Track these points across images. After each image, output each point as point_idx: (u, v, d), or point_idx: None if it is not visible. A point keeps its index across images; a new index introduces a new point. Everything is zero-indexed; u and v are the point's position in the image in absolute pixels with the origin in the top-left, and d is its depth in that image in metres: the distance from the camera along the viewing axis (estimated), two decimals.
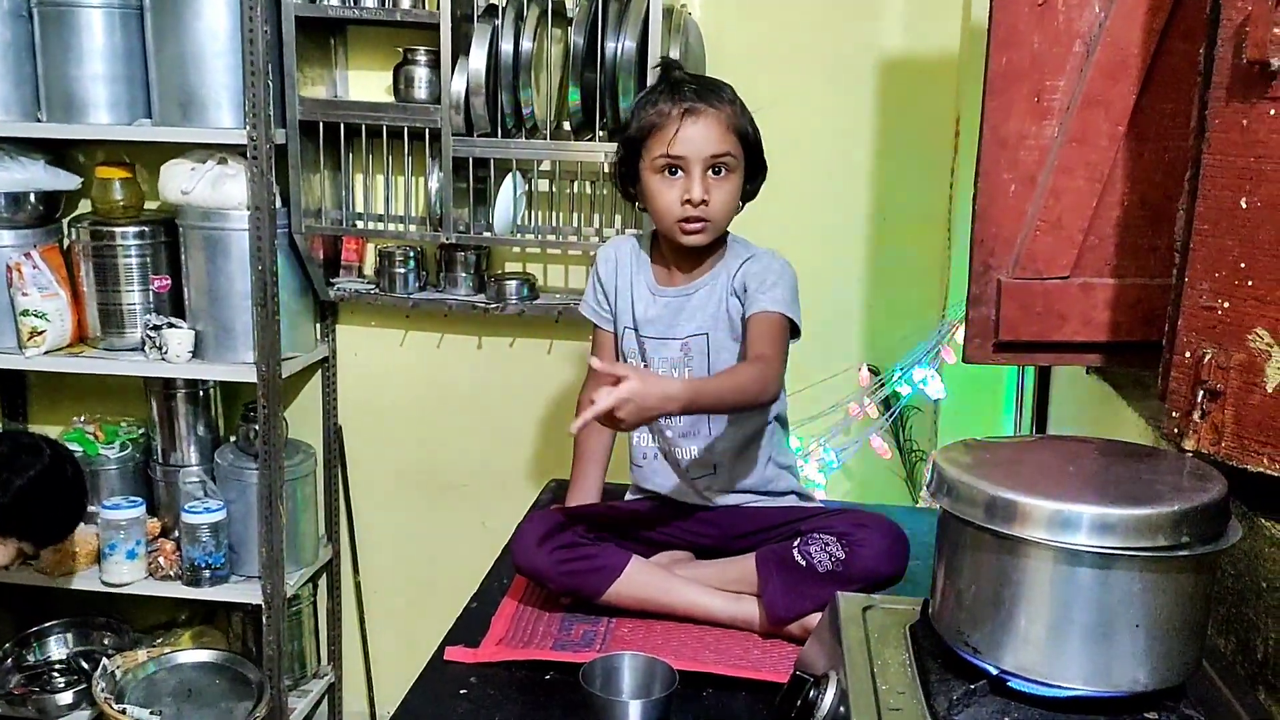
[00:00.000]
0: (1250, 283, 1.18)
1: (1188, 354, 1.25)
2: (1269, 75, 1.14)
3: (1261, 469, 1.18)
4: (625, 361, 1.75)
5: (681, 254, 1.71)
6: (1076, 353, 1.67)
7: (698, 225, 1.63)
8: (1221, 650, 1.27)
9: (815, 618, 1.49)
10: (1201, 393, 1.22)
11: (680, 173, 1.62)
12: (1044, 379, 2.21)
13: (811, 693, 1.10)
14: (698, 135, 1.60)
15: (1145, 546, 0.94)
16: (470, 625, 1.59)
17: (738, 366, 1.64)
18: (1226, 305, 1.21)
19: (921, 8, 2.43)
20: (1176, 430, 1.27)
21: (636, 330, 1.74)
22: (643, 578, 1.60)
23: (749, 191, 1.71)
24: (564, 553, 1.58)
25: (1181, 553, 0.95)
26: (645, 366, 1.73)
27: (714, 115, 1.61)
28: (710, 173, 1.62)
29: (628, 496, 1.83)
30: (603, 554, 1.61)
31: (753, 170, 1.69)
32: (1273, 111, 1.15)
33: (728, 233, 1.72)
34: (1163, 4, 1.52)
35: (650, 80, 1.64)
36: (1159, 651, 0.97)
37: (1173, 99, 1.53)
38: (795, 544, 1.57)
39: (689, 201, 1.61)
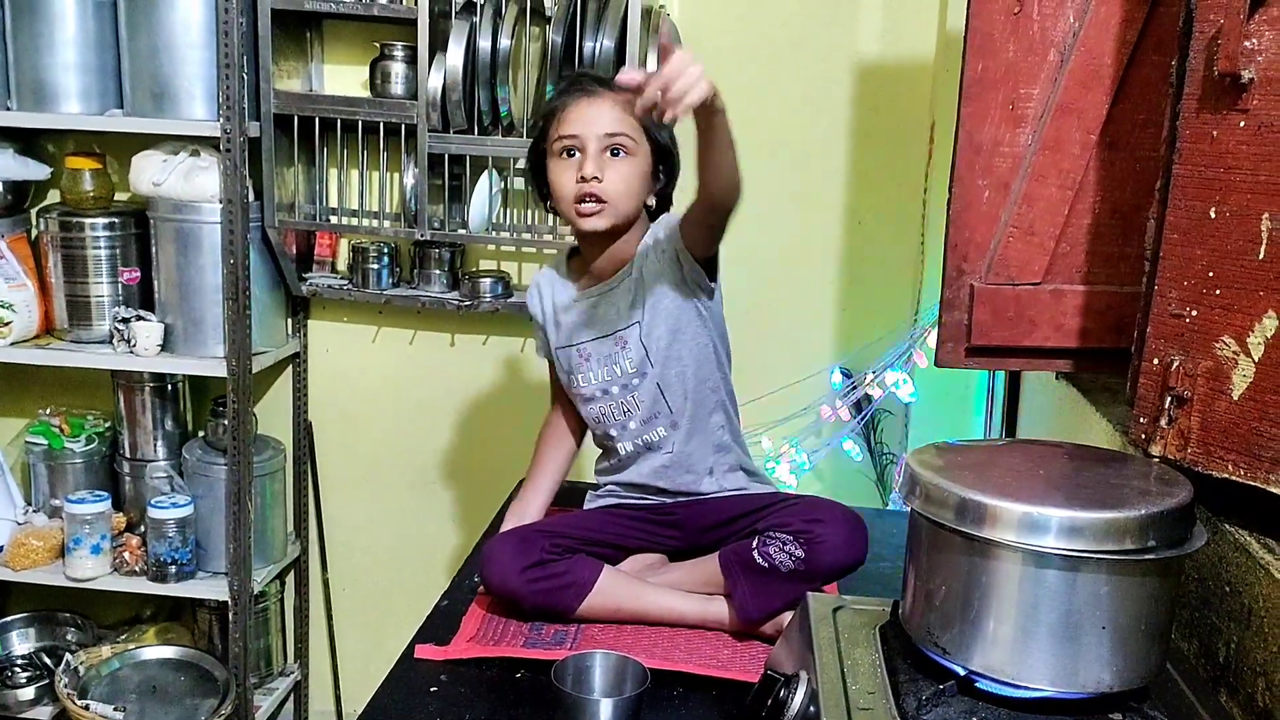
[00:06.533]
0: (1218, 291, 1.20)
1: (1156, 361, 1.27)
2: (1239, 88, 1.16)
3: (1226, 475, 1.20)
4: (571, 375, 1.75)
5: (596, 248, 1.70)
6: (1047, 358, 1.69)
7: (593, 206, 1.62)
8: (1184, 653, 1.29)
9: (787, 616, 1.50)
10: (1169, 399, 1.24)
11: (577, 154, 1.62)
12: (1014, 384, 2.23)
13: (782, 692, 1.10)
14: (591, 114, 1.62)
15: (1112, 550, 0.95)
16: (440, 623, 1.58)
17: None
18: (1195, 313, 1.23)
19: (898, 14, 2.44)
20: (1144, 436, 1.28)
21: (573, 344, 1.74)
22: (615, 588, 1.60)
23: (662, 190, 1.71)
24: (535, 571, 1.57)
25: (1148, 556, 0.96)
26: (585, 370, 1.73)
27: (609, 97, 1.63)
28: (609, 154, 1.62)
29: (588, 504, 1.81)
30: (573, 568, 1.60)
31: (665, 169, 1.69)
32: (1242, 123, 1.17)
33: (648, 227, 1.71)
34: (1136, 16, 1.54)
35: None
36: (1124, 653, 0.98)
37: (1144, 109, 1.56)
38: (754, 545, 1.57)
39: (582, 178, 1.61)
